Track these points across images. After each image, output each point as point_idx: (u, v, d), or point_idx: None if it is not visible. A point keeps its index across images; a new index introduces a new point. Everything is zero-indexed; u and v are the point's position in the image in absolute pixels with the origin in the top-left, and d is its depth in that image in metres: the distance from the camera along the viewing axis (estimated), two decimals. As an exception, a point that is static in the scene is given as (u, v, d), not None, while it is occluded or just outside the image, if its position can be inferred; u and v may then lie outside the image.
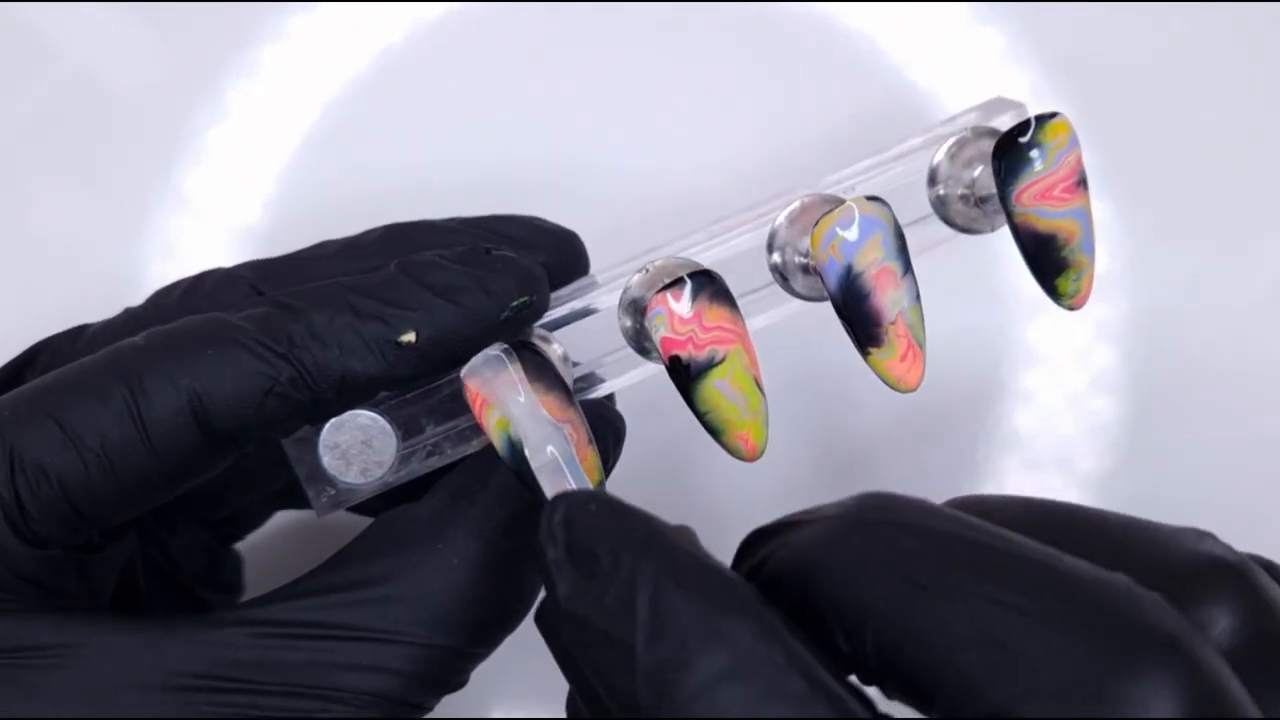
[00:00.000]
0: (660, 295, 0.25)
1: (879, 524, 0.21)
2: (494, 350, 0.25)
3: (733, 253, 0.27)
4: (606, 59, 0.38)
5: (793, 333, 0.28)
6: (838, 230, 0.25)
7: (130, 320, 0.28)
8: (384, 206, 0.38)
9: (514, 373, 0.24)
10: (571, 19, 0.38)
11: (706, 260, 0.26)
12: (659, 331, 0.25)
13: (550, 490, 0.24)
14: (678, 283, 0.25)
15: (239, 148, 0.38)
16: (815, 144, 0.38)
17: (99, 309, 0.31)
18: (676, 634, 0.19)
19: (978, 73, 0.38)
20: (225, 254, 0.38)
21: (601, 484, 0.25)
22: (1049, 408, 0.38)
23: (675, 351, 0.25)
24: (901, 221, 0.26)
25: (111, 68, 0.38)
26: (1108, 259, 0.38)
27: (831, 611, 0.20)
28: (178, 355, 0.24)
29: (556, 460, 0.24)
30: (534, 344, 0.25)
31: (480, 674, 0.27)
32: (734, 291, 0.25)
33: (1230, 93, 0.38)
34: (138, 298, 0.37)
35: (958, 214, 0.27)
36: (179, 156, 0.38)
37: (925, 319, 0.27)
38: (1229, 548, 0.20)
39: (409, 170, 0.38)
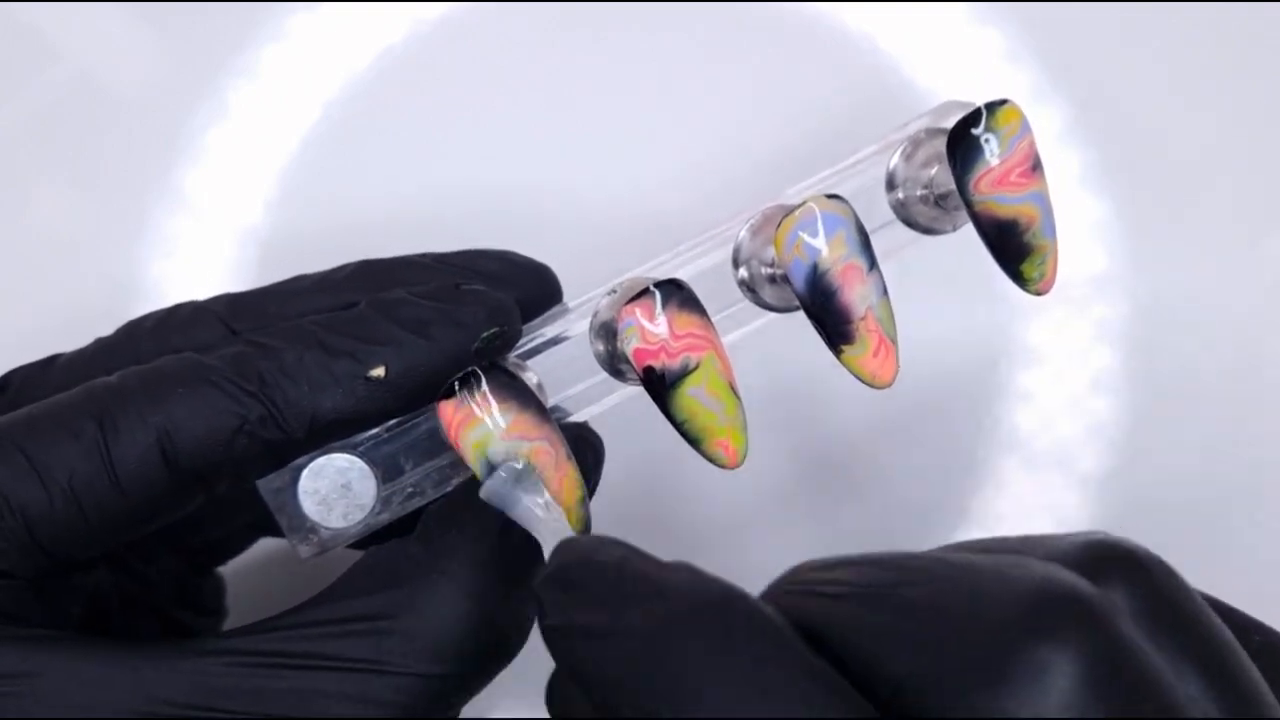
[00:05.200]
0: (629, 307, 0.25)
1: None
2: (468, 372, 0.25)
3: (700, 271, 0.27)
4: (608, 57, 0.38)
5: (780, 338, 0.28)
6: (800, 230, 0.25)
7: (101, 350, 0.28)
8: (383, 208, 0.38)
9: (486, 392, 0.24)
10: (573, 18, 0.38)
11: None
12: (631, 343, 0.25)
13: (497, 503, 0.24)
14: (646, 293, 0.25)
15: (239, 148, 0.38)
16: (814, 147, 0.38)
17: (99, 309, 0.31)
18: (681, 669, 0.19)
19: (977, 73, 0.38)
20: (225, 254, 0.38)
21: (583, 500, 0.25)
22: (1049, 408, 0.38)
23: (649, 362, 0.25)
24: (866, 228, 0.26)
25: (111, 68, 0.38)
26: (1108, 259, 0.38)
27: None
28: (149, 393, 0.25)
29: (505, 479, 0.24)
30: (505, 367, 0.25)
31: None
32: (708, 312, 0.25)
33: (1230, 93, 0.38)
34: (138, 298, 0.37)
35: (919, 215, 0.27)
36: (179, 156, 0.38)
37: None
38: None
39: (408, 171, 0.38)
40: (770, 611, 0.20)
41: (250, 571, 0.35)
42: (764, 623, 0.19)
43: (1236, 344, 0.38)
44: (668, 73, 0.38)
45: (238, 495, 0.27)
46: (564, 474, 0.25)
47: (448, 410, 0.24)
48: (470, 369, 0.25)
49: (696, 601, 0.20)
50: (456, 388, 0.24)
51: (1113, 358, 0.38)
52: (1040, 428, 0.37)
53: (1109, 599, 0.19)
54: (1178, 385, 0.37)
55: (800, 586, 0.21)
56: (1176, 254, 0.38)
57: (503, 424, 0.24)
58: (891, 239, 0.28)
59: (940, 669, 0.18)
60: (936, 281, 0.37)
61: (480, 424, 0.24)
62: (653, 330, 0.25)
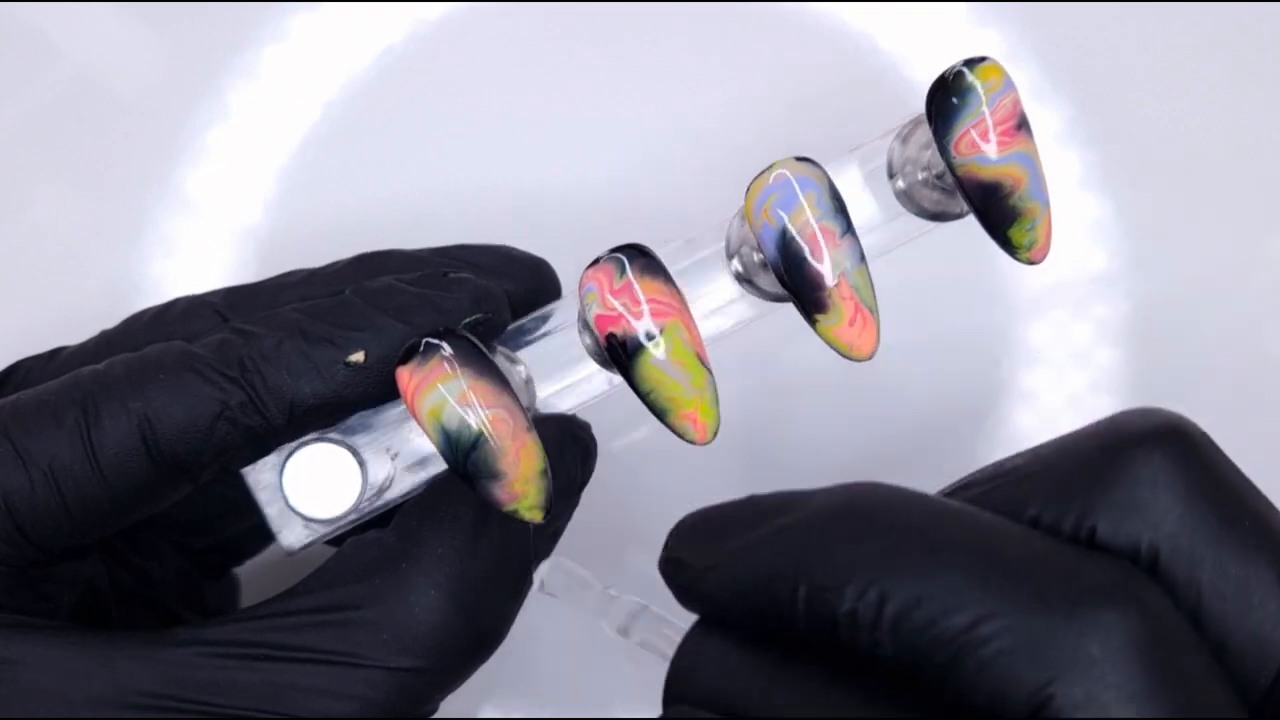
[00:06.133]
0: (590, 272, 0.24)
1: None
2: (426, 339, 0.24)
3: (699, 269, 0.27)
4: (608, 57, 0.38)
5: (778, 337, 0.28)
6: (769, 194, 0.24)
7: (103, 343, 0.28)
8: (383, 208, 0.38)
9: (443, 359, 0.24)
10: (573, 18, 0.38)
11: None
12: (592, 310, 0.24)
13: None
14: (607, 258, 0.24)
15: (239, 148, 0.38)
16: (814, 147, 0.38)
17: (99, 309, 0.31)
18: None
19: (978, 72, 0.38)
20: (225, 254, 0.38)
21: (543, 472, 0.24)
22: (1050, 408, 0.37)
23: (610, 329, 0.24)
24: (877, 222, 0.25)
25: (111, 68, 0.38)
26: (1108, 259, 0.38)
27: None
28: (131, 380, 0.25)
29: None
30: (465, 334, 0.24)
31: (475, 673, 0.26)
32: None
33: (1230, 93, 0.38)
34: (138, 298, 0.37)
35: (924, 199, 0.26)
36: (179, 156, 0.38)
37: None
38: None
39: (409, 171, 0.38)
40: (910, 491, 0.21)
41: (265, 573, 0.35)
42: (916, 495, 0.21)
43: (1237, 344, 0.38)
44: (667, 72, 0.38)
45: (246, 495, 0.27)
46: (521, 444, 0.24)
47: (404, 375, 0.24)
48: (428, 336, 0.24)
49: (844, 492, 0.21)
50: (413, 353, 0.24)
51: (1113, 358, 0.37)
52: (1041, 428, 0.37)
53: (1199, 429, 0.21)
54: (1178, 385, 0.37)
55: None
56: (1177, 254, 0.38)
57: (458, 390, 0.23)
58: (900, 232, 0.28)
59: (1065, 495, 0.20)
60: (936, 281, 0.37)
61: (435, 390, 0.23)
62: (613, 295, 0.24)
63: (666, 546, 0.23)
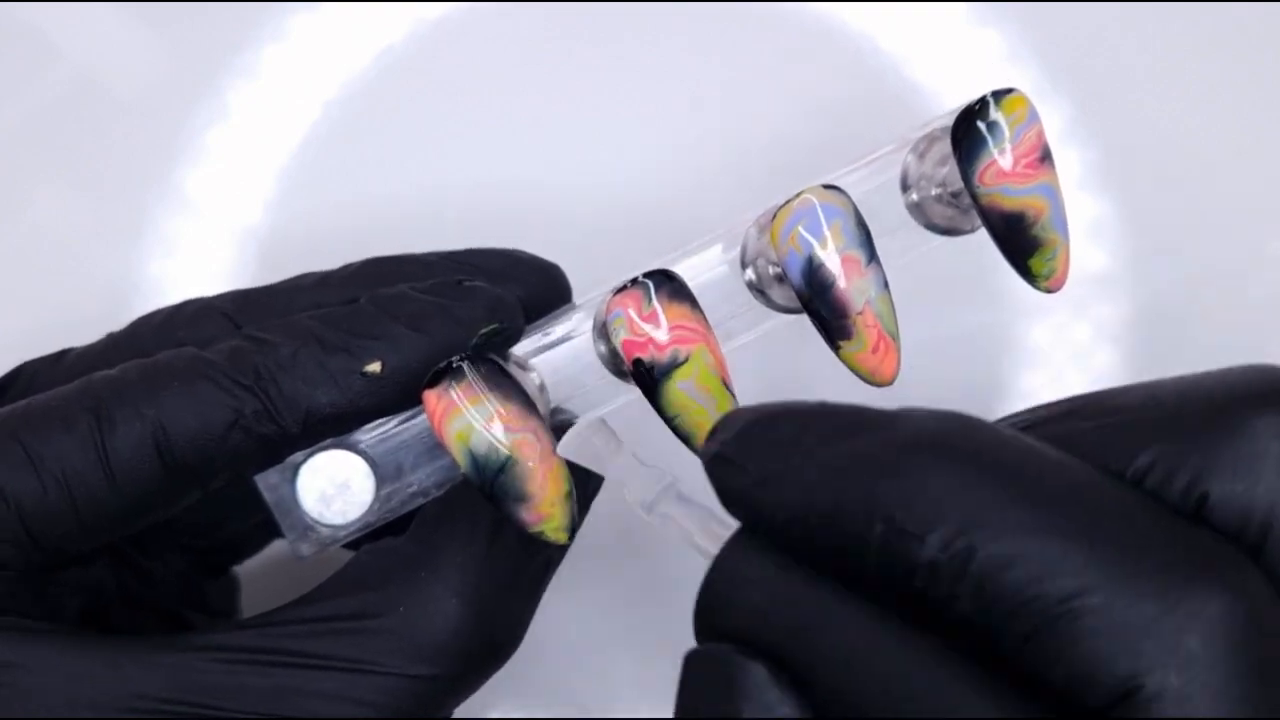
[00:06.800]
0: (618, 298, 0.24)
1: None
2: (452, 362, 0.24)
3: (709, 274, 0.27)
4: (608, 57, 0.38)
5: (780, 339, 0.28)
6: (796, 222, 0.24)
7: (110, 346, 0.28)
8: (383, 208, 0.38)
9: (470, 382, 0.24)
10: (574, 19, 0.38)
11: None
12: (619, 335, 0.24)
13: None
14: (635, 284, 0.24)
15: (239, 148, 0.38)
16: (815, 147, 0.38)
17: (99, 309, 0.31)
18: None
19: (978, 73, 0.38)
20: (225, 254, 0.38)
21: (569, 494, 0.24)
22: (1050, 408, 0.38)
23: (637, 354, 0.24)
24: (884, 229, 0.25)
25: (111, 68, 0.38)
26: (1108, 259, 0.38)
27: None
28: (145, 387, 0.24)
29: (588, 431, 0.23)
30: (492, 356, 0.25)
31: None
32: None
33: (1230, 93, 0.38)
34: (138, 298, 0.37)
35: (936, 215, 0.27)
36: (179, 156, 0.38)
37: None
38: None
39: (409, 171, 0.38)
40: (1008, 429, 0.19)
41: (264, 572, 0.35)
42: (1013, 435, 0.19)
43: (1237, 344, 0.38)
44: (668, 72, 0.38)
45: (249, 494, 0.27)
46: (549, 467, 0.24)
47: (431, 400, 0.24)
48: (455, 359, 0.24)
49: (935, 423, 0.19)
50: (441, 377, 0.24)
51: (1114, 358, 0.37)
52: (1041, 428, 0.37)
53: None
54: (1178, 385, 0.37)
55: (1008, 423, 0.20)
56: (1177, 254, 0.38)
57: (486, 414, 0.24)
58: (908, 240, 0.28)
59: (1181, 448, 0.18)
60: (937, 282, 0.37)
61: (462, 414, 0.24)
62: (641, 322, 0.24)
63: (715, 438, 0.20)
